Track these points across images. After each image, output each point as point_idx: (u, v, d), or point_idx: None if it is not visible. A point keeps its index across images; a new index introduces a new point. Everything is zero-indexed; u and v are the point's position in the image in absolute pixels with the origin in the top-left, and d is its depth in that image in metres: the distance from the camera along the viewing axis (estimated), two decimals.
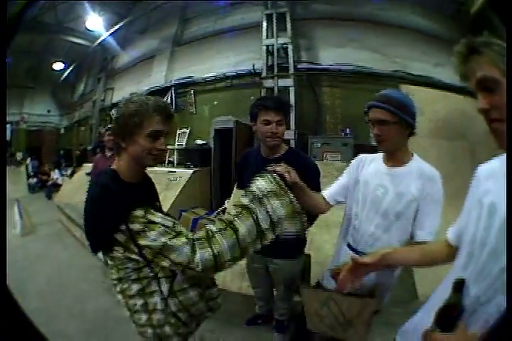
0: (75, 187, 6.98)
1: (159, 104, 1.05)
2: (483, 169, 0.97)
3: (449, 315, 0.85)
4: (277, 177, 1.09)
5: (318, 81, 4.50)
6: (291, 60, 4.44)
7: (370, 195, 1.37)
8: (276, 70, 4.44)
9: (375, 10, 4.70)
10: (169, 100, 5.48)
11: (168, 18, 6.56)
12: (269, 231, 1.01)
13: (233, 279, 2.78)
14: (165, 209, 3.66)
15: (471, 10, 4.75)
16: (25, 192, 9.25)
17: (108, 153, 3.17)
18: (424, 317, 1.02)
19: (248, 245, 0.99)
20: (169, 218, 1.03)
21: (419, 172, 1.31)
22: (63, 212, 5.34)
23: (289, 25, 4.60)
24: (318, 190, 1.59)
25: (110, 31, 7.54)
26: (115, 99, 8.05)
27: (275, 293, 2.10)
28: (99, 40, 8.04)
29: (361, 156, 1.51)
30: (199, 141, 5.21)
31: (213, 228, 0.99)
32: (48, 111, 12.01)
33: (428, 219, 1.31)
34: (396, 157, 1.36)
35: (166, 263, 0.96)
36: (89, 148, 8.61)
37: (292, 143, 4.13)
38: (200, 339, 1.90)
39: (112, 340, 2.26)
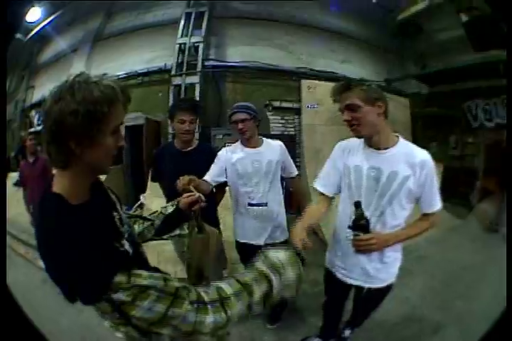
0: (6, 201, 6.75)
1: (122, 86, 0.82)
2: (343, 144, 1.67)
3: (361, 223, 1.36)
4: (299, 253, 1.09)
5: (223, 77, 4.81)
6: (200, 58, 4.75)
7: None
8: (185, 68, 4.74)
9: (292, 10, 5.06)
10: None
11: (96, 9, 6.55)
12: (276, 296, 0.94)
13: (166, 265, 3.02)
14: None
15: (398, 17, 5.25)
16: None
17: (30, 159, 3.19)
18: (334, 241, 1.76)
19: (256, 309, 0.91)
20: (157, 273, 0.83)
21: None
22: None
23: (204, 25, 4.89)
24: None
25: (43, 23, 7.31)
26: (35, 99, 7.79)
27: None
28: (31, 34, 7.69)
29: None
30: None
31: (229, 289, 0.87)
32: None
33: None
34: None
35: (166, 331, 0.79)
36: (12, 154, 8.17)
37: (196, 135, 4.44)
38: None
39: None
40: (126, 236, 0.93)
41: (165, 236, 1.34)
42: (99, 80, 0.76)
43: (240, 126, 2.00)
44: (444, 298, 2.75)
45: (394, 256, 1.58)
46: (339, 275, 1.68)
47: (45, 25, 7.38)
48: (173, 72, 4.78)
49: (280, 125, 4.71)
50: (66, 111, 0.71)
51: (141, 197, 4.46)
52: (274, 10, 4.98)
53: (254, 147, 2.11)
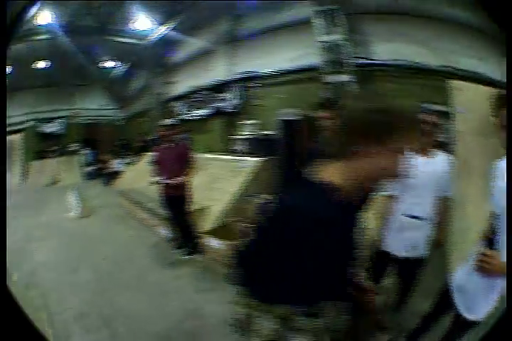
0: (137, 174, 7.34)
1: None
2: (499, 163, 1.45)
3: (489, 237, 1.32)
4: None
5: (372, 76, 4.61)
6: (345, 56, 4.65)
7: None
8: (333, 66, 4.70)
9: (417, 2, 4.69)
10: (236, 93, 6.12)
11: (219, 14, 6.97)
12: None
13: None
14: (230, 194, 4.16)
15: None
16: (79, 179, 10.24)
17: (168, 144, 3.35)
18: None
19: None
20: None
21: None
22: (126, 197, 5.69)
23: (339, 21, 4.74)
24: None
25: (160, 29, 8.14)
26: (178, 92, 8.81)
27: None
28: (151, 38, 8.66)
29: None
30: (264, 132, 5.61)
31: None
32: (103, 105, 13.14)
33: None
34: None
35: None
36: (151, 138, 9.34)
37: None
38: None
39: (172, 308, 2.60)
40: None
41: None
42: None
43: (426, 127, 1.82)
44: None
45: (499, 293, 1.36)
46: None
47: (167, 30, 8.15)
48: (322, 70, 4.81)
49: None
50: (357, 112, 0.77)
51: None
52: (396, 3, 4.63)
53: (426, 156, 1.91)
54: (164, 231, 4.00)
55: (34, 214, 5.98)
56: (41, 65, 10.62)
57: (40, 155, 11.51)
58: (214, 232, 3.47)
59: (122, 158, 10.42)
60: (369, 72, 4.68)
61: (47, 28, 8.20)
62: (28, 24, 7.99)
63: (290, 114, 5.09)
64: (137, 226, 4.67)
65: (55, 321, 2.43)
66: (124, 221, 4.97)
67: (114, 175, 8.97)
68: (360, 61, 4.72)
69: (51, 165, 10.95)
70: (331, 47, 4.78)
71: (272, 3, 5.99)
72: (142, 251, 3.76)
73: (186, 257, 3.44)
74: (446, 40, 4.63)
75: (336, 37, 4.75)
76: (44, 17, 7.69)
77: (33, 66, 10.56)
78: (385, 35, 4.70)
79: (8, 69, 10.05)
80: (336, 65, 4.73)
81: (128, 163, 9.22)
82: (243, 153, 5.64)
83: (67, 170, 10.68)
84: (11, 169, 11.02)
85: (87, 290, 2.90)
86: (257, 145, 5.30)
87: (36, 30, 8.29)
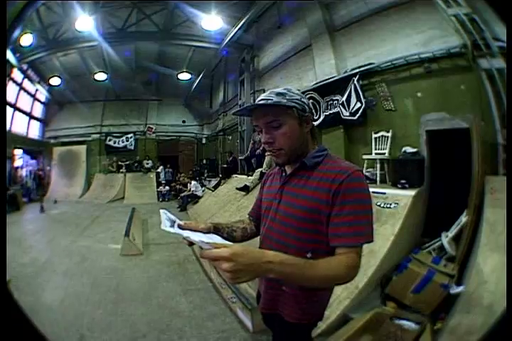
0: (219, 201, 6.57)
1: None
2: None
3: None
4: None
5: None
6: (488, 34, 3.63)
7: None
8: (479, 48, 3.67)
9: None
10: (353, 94, 5.02)
11: (303, 8, 6.46)
12: None
13: None
14: (380, 254, 2.74)
15: None
16: (153, 200, 10.02)
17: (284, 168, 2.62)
18: None
19: None
20: None
21: None
22: None
23: None
24: None
25: (233, 31, 7.77)
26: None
27: None
28: (224, 42, 8.34)
29: None
30: (409, 149, 4.06)
31: None
32: (183, 121, 13.13)
33: None
34: None
35: None
36: (240, 157, 8.62)
37: None
38: None
39: None
40: None
41: None
42: None
43: None
44: None
45: None
46: None
47: (239, 33, 7.81)
48: (475, 53, 3.68)
49: None
50: None
51: (444, 237, 3.23)
52: None
53: None
54: (244, 315, 2.45)
55: (75, 235, 5.39)
56: (101, 76, 11.16)
57: (108, 168, 12.02)
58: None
59: (205, 180, 10.18)
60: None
61: (100, 36, 8.41)
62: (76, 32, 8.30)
63: (440, 120, 3.90)
64: (201, 289, 3.12)
65: None
66: (182, 275, 3.54)
67: (192, 199, 8.65)
68: (498, 43, 3.58)
69: (118, 181, 11.23)
70: (467, 24, 3.81)
71: None
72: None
73: None
74: None
75: (468, 9, 3.80)
76: (95, 24, 7.88)
77: (95, 78, 11.19)
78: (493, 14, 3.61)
79: (66, 79, 10.80)
80: (483, 46, 3.67)
81: (213, 187, 8.54)
82: (380, 183, 4.12)
83: (136, 188, 10.89)
84: (73, 179, 11.69)
85: None
86: (402, 170, 3.84)
87: (88, 37, 8.51)
